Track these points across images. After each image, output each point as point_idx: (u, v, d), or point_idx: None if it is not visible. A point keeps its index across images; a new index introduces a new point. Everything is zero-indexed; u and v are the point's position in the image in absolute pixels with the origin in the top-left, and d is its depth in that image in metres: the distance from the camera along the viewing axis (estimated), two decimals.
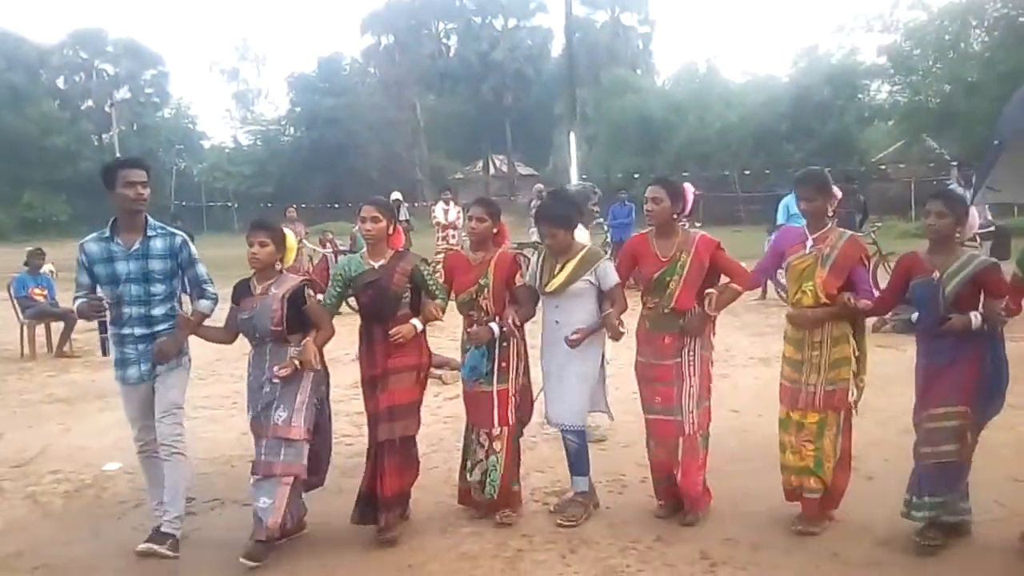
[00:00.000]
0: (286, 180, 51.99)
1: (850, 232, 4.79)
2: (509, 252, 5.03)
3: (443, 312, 4.80)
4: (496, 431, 4.77)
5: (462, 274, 4.90)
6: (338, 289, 4.79)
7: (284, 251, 4.64)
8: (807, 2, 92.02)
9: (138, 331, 4.56)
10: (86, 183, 50.45)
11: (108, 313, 4.59)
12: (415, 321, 4.67)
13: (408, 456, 4.75)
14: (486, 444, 4.79)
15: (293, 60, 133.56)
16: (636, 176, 31.65)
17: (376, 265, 4.70)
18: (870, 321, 4.71)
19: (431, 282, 4.77)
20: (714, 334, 4.89)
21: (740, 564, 4.20)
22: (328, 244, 17.03)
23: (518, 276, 4.86)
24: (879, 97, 36.17)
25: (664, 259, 4.70)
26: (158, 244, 4.56)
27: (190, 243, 4.70)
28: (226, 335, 4.78)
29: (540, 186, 18.38)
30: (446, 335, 8.30)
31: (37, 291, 11.40)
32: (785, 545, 4.40)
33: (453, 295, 4.92)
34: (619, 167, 37.92)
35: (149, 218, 4.60)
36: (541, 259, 4.91)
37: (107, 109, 53.09)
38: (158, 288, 4.57)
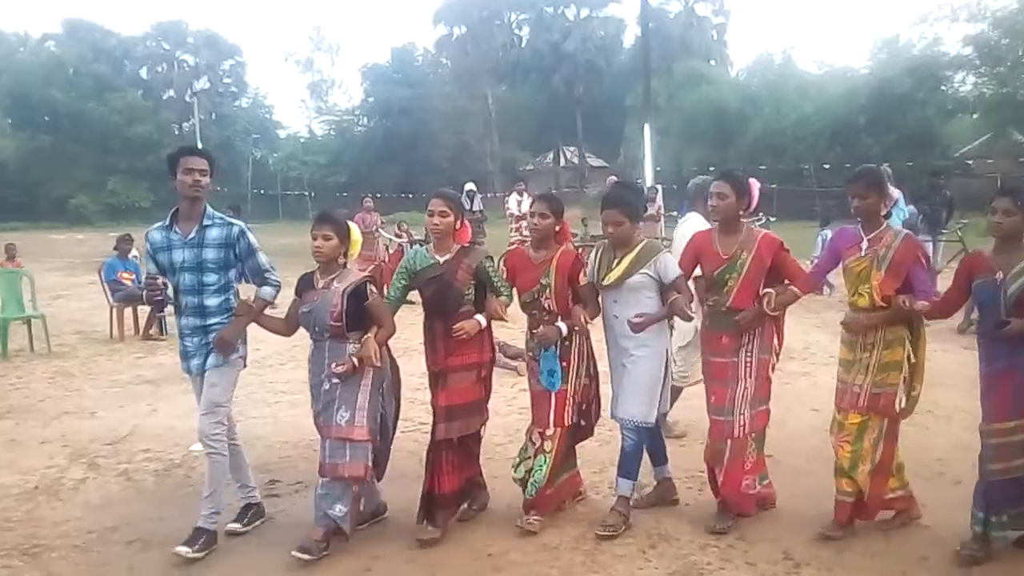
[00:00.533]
0: (359, 170, 52.66)
1: (906, 231, 4.68)
2: (572, 250, 4.90)
3: (507, 310, 4.75)
4: (550, 431, 4.69)
5: (524, 273, 4.80)
6: (403, 283, 4.75)
7: (348, 245, 4.56)
8: None
9: (192, 322, 4.55)
10: (167, 171, 51.91)
11: (167, 296, 4.54)
12: (479, 317, 4.62)
13: (467, 455, 4.74)
14: (538, 443, 4.73)
15: (367, 50, 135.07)
16: (711, 168, 31.23)
17: (441, 260, 4.64)
18: (950, 323, 4.54)
19: (496, 279, 4.71)
20: (779, 338, 4.76)
21: (825, 565, 4.16)
22: (404, 234, 17.20)
23: (581, 275, 4.74)
24: (963, 89, 35.02)
25: (725, 256, 4.62)
26: (213, 233, 4.53)
27: (248, 233, 4.64)
28: (285, 327, 4.73)
29: (614, 177, 18.28)
30: (519, 327, 8.31)
31: (125, 275, 11.79)
32: (871, 548, 4.33)
33: (516, 294, 4.85)
34: (691, 159, 37.42)
35: (208, 207, 4.59)
36: (599, 254, 4.79)
37: (187, 99, 54.55)
38: (211, 278, 4.52)
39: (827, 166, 34.26)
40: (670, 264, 4.64)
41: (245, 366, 4.73)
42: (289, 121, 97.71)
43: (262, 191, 50.90)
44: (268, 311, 4.76)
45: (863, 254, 4.43)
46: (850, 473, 4.44)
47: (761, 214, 17.15)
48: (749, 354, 4.62)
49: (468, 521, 4.82)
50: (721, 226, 4.73)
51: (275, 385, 8.25)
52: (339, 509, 4.37)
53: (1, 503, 5.24)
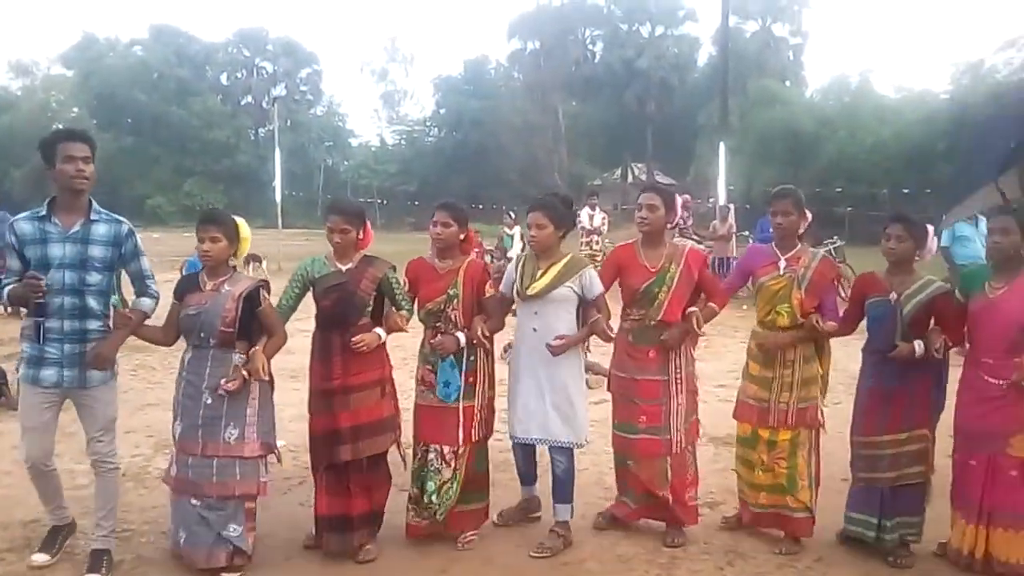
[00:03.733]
0: (429, 179, 53.26)
1: (822, 252, 4.77)
2: (479, 261, 4.70)
3: (407, 323, 4.48)
4: (460, 449, 4.49)
5: (428, 283, 4.58)
6: (297, 291, 4.47)
7: (238, 245, 4.30)
8: (969, 16, 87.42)
9: (70, 325, 4.02)
10: (242, 174, 53.41)
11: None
12: (379, 330, 4.38)
13: (378, 474, 4.53)
14: (452, 461, 4.48)
15: (440, 62, 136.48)
16: None
17: (343, 268, 4.42)
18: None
19: (399, 291, 4.49)
20: (694, 349, 4.82)
21: None
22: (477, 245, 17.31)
23: (488, 286, 4.60)
24: None
25: (653, 269, 4.57)
26: (101, 229, 4.08)
27: (136, 234, 4.24)
28: (165, 334, 4.37)
29: (687, 196, 18.19)
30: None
31: None
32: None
33: (417, 306, 4.62)
34: (762, 180, 36.92)
35: (94, 201, 4.12)
36: (521, 264, 4.65)
37: (265, 105, 55.81)
38: (95, 277, 4.07)
39: (906, 191, 33.53)
40: (595, 280, 4.55)
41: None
42: (361, 130, 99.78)
43: (331, 197, 51.77)
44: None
45: (781, 273, 4.54)
46: (791, 490, 4.50)
47: (835, 236, 16.93)
48: (679, 369, 4.60)
49: (531, 525, 4.84)
50: (647, 239, 4.67)
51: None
52: (233, 529, 4.14)
53: (92, 489, 5.41)
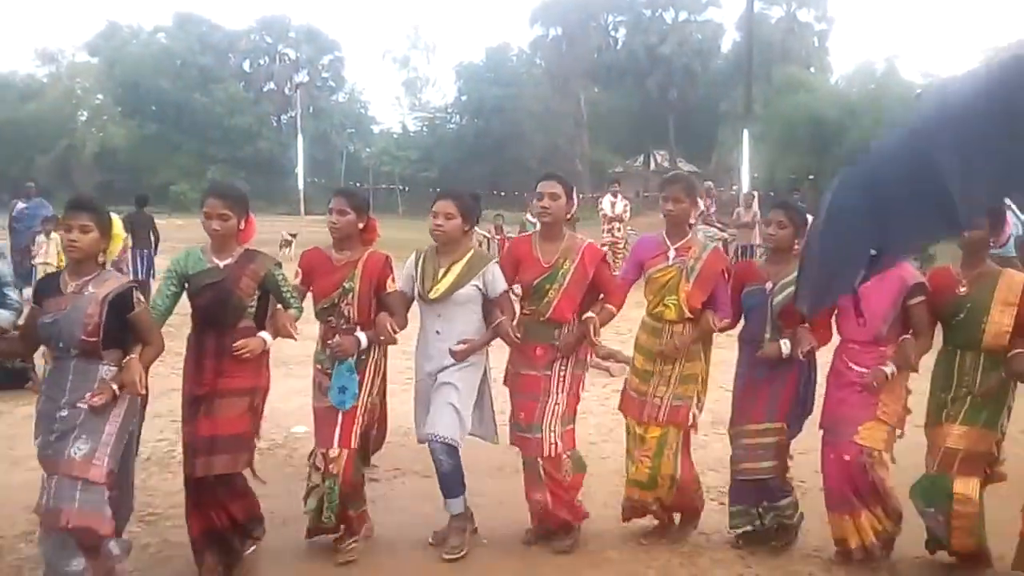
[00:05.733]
0: (450, 167, 53.22)
1: (713, 243, 4.59)
2: (381, 253, 4.39)
3: (295, 327, 4.11)
4: (334, 452, 4.17)
5: (323, 276, 4.27)
6: (172, 290, 4.04)
7: (109, 240, 3.71)
8: (997, 1, 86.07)
9: None
10: (264, 161, 53.63)
11: None
12: (264, 335, 4.01)
13: (234, 488, 4.09)
14: (322, 467, 4.20)
15: (462, 49, 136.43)
16: (811, 177, 30.61)
17: (221, 264, 4.00)
18: None
19: (285, 289, 4.10)
20: (591, 355, 4.66)
21: None
22: (497, 229, 17.32)
23: (390, 281, 4.30)
24: None
25: (546, 264, 4.33)
26: None
27: None
28: (22, 345, 3.90)
29: (709, 183, 18.11)
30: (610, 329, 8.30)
31: None
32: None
33: (312, 300, 4.32)
34: (786, 167, 36.66)
35: None
36: (421, 260, 4.38)
37: (287, 92, 55.99)
38: None
39: None
40: (498, 276, 4.33)
41: None
42: (383, 117, 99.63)
43: (355, 184, 51.86)
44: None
45: (670, 263, 4.36)
46: (650, 488, 4.39)
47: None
48: (563, 368, 4.36)
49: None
50: (545, 231, 4.43)
51: None
52: (76, 564, 3.44)
53: None
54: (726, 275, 4.40)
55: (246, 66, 62.03)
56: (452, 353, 4.23)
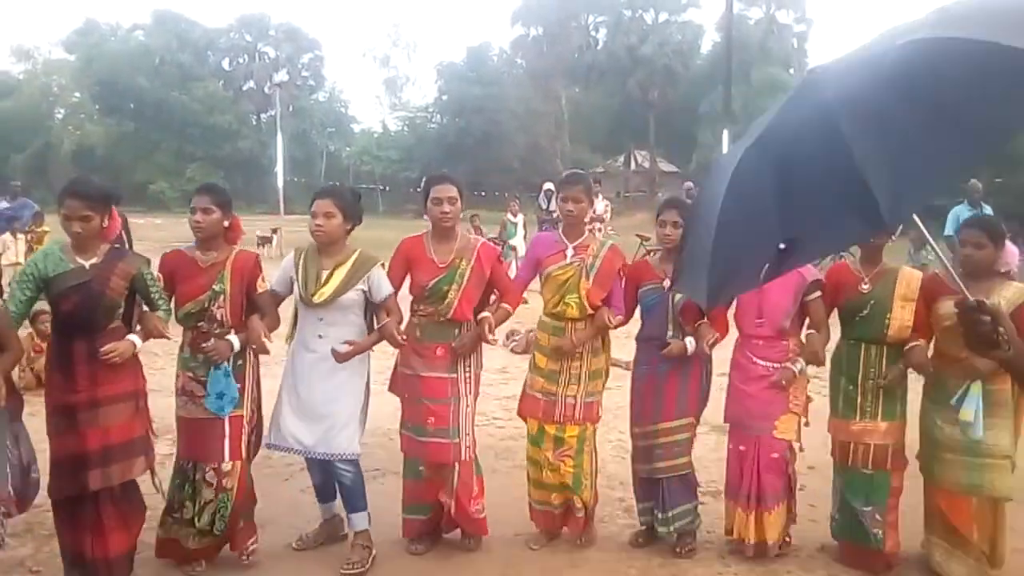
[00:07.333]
0: (431, 166, 52.94)
1: (610, 241, 4.65)
2: (250, 253, 4.29)
3: (167, 327, 3.97)
4: (227, 467, 4.06)
5: (188, 279, 4.07)
6: (28, 293, 3.74)
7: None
8: None
9: None
10: (244, 160, 53.41)
11: None
12: (133, 337, 3.83)
13: (131, 503, 3.98)
14: (214, 482, 4.04)
15: (442, 49, 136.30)
16: None
17: (87, 264, 3.76)
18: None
19: (154, 290, 3.94)
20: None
21: None
22: (476, 230, 17.28)
23: (260, 280, 4.18)
24: None
25: (442, 265, 4.28)
26: None
27: None
28: None
29: (690, 184, 18.19)
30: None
31: None
32: None
33: (175, 305, 4.12)
34: None
35: None
36: (302, 260, 4.21)
37: (267, 91, 55.71)
38: None
39: None
40: (383, 280, 4.23)
41: None
42: (363, 116, 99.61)
43: (335, 183, 51.71)
44: None
45: (568, 262, 4.37)
46: (576, 489, 4.38)
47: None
48: (467, 369, 4.35)
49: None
50: (435, 233, 4.37)
51: None
52: None
53: None
54: (621, 273, 4.46)
55: (225, 64, 61.68)
56: (335, 354, 4.10)
